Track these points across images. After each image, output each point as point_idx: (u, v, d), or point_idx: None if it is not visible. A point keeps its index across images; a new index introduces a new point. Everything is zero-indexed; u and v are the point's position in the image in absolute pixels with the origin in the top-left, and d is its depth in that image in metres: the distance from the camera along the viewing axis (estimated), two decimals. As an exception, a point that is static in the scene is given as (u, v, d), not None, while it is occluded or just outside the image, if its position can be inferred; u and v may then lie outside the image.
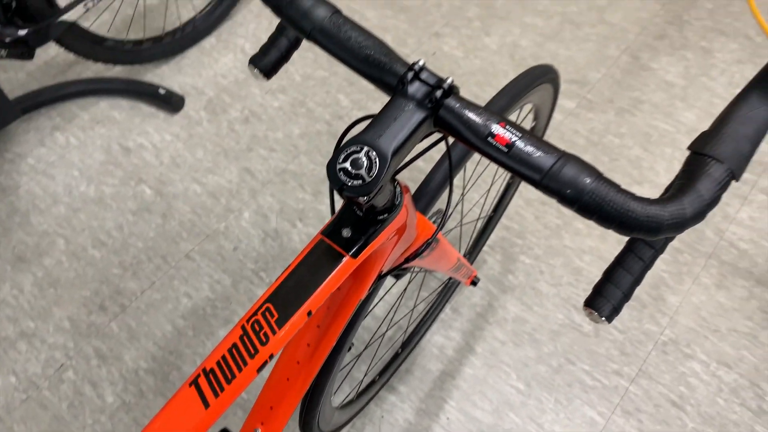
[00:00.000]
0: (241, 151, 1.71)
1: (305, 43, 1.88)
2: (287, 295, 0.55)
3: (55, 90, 1.74)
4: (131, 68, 1.88)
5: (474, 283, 1.21)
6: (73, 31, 1.58)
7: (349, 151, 0.49)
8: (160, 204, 1.62)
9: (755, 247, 1.50)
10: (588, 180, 0.47)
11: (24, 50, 1.42)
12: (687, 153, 0.48)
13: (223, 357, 0.53)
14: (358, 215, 0.58)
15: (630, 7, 2.01)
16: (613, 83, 1.82)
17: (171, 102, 1.76)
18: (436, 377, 1.36)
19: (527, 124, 1.18)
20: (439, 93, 0.50)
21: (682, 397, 1.31)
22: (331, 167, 0.49)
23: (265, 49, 0.70)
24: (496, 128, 0.50)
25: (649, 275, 1.46)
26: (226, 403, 0.52)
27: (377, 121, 0.51)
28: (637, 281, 0.55)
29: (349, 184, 0.48)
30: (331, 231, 0.58)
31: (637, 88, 1.80)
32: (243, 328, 0.54)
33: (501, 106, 0.91)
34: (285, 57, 0.70)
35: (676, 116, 1.74)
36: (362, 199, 0.49)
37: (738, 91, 0.49)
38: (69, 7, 1.50)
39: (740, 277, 1.46)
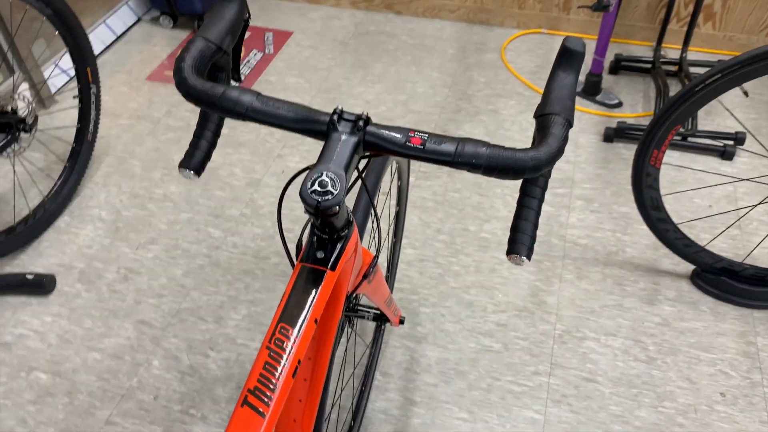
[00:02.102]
0: (129, 307, 1.71)
1: (160, 197, 1.98)
2: (293, 313, 0.66)
3: None
4: (-13, 266, 1.82)
5: (402, 321, 1.35)
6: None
7: (313, 178, 0.64)
8: (61, 384, 1.55)
9: (591, 240, 1.84)
10: (484, 149, 0.66)
11: None
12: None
13: (261, 374, 0.62)
14: (324, 238, 0.71)
15: (425, 96, 2.43)
16: (437, 153, 2.15)
17: (42, 284, 1.73)
18: (391, 438, 1.43)
19: (395, 181, 1.40)
20: (361, 122, 0.68)
21: (591, 372, 1.53)
22: (305, 192, 0.64)
23: (189, 154, 0.83)
24: (410, 135, 0.68)
25: (526, 287, 1.71)
26: (278, 408, 0.60)
27: (323, 156, 0.67)
28: (536, 219, 0.74)
29: (322, 200, 0.63)
30: (307, 257, 0.71)
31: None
32: (268, 348, 0.63)
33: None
34: (208, 155, 0.84)
35: (494, 163, 2.10)
36: (335, 209, 0.64)
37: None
38: None
39: (591, 265, 1.77)
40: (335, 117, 0.69)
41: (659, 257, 1.79)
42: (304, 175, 0.69)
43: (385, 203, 1.81)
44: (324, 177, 0.64)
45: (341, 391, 1.47)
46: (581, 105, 2.35)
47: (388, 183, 1.51)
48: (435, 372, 1.54)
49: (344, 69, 2.58)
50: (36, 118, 1.76)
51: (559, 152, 0.66)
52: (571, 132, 2.23)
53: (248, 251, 1.85)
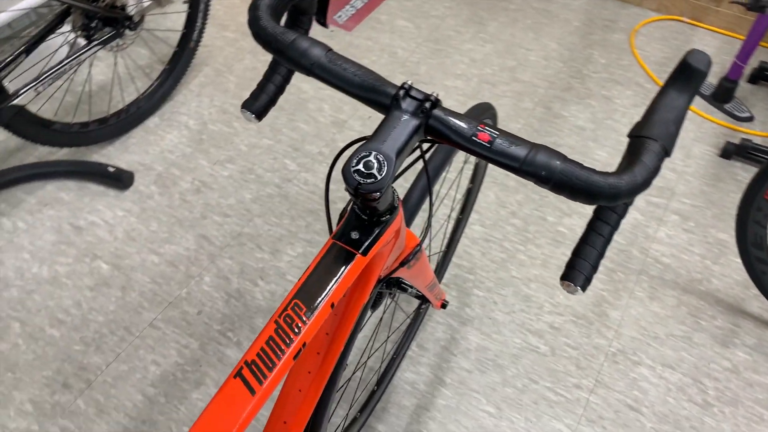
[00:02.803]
0: (195, 220, 1.75)
1: (248, 123, 1.99)
2: (311, 291, 0.62)
3: (2, 176, 1.74)
4: (77, 151, 1.90)
5: (444, 305, 1.30)
6: (21, 116, 1.61)
7: (360, 156, 0.58)
8: (118, 277, 1.62)
9: (676, 261, 1.69)
10: (558, 162, 0.58)
11: (-25, 135, 1.44)
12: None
13: (262, 349, 0.59)
14: (364, 219, 0.66)
15: (537, 66, 2.27)
16: (532, 131, 2.02)
17: (121, 179, 1.79)
18: (412, 412, 1.41)
19: (473, 157, 1.31)
20: (428, 105, 0.61)
21: (637, 401, 1.43)
22: (347, 171, 0.58)
23: (255, 95, 0.79)
24: (478, 129, 0.61)
25: (590, 294, 1.61)
26: (270, 389, 0.57)
27: (378, 132, 0.61)
28: (604, 248, 0.66)
29: (364, 183, 0.57)
30: (341, 234, 0.66)
31: (554, 134, 2.02)
32: (276, 322, 0.60)
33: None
34: (273, 100, 0.80)
35: (590, 154, 1.95)
36: (375, 195, 0.58)
37: None
38: (19, 92, 1.55)
39: (668, 288, 1.63)
40: (401, 92, 0.62)
41: (747, 298, 1.62)
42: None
43: (458, 177, 1.73)
44: (371, 158, 0.58)
45: (372, 351, 1.45)
46: (705, 110, 2.12)
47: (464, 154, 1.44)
48: (472, 358, 1.49)
49: (457, 21, 2.45)
50: (142, 17, 1.78)
51: (644, 185, 0.57)
52: (685, 138, 2.02)
53: (317, 191, 1.83)
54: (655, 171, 0.58)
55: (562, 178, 0.57)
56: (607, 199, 0.57)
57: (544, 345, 1.51)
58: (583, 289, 0.65)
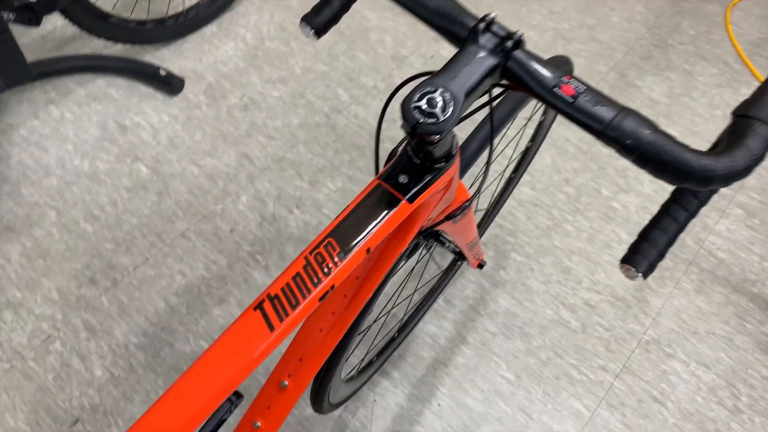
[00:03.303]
0: (239, 137, 1.71)
1: (304, 41, 1.91)
2: (348, 232, 0.57)
3: (57, 62, 1.72)
4: (131, 48, 1.87)
5: (481, 266, 1.25)
6: (79, 4, 1.57)
7: (423, 91, 0.52)
8: (156, 182, 1.60)
9: (732, 257, 1.58)
10: (647, 131, 0.50)
11: (31, 16, 1.41)
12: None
13: (288, 285, 0.54)
14: (416, 163, 0.60)
15: (618, 28, 2.11)
16: (602, 97, 1.89)
17: (171, 84, 1.75)
18: (429, 364, 1.38)
19: (539, 114, 1.23)
20: (509, 44, 0.54)
21: (663, 394, 1.37)
22: (406, 106, 0.52)
23: (317, 9, 0.72)
24: (563, 80, 0.53)
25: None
26: (289, 328, 0.53)
27: (448, 67, 0.54)
28: (676, 236, 0.59)
29: (423, 122, 0.51)
30: (388, 176, 0.60)
31: (624, 103, 1.88)
32: (306, 258, 0.56)
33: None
34: (336, 18, 0.73)
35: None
36: (433, 138, 0.52)
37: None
38: (79, -21, 1.50)
39: (718, 284, 1.53)
40: (481, 26, 0.54)
41: (802, 308, 1.52)
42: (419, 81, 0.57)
43: (519, 133, 1.63)
44: (437, 96, 0.51)
45: (398, 299, 1.41)
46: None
47: (529, 110, 1.34)
48: (499, 322, 1.44)
49: (542, -32, 2.29)
50: None
51: (744, 171, 0.49)
52: None
53: (366, 126, 1.76)
54: (759, 158, 0.50)
55: (649, 151, 0.50)
56: (696, 182, 0.50)
57: (575, 321, 1.45)
58: (645, 276, 0.59)
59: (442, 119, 0.51)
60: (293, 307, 0.53)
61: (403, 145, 0.62)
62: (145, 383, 1.31)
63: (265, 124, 1.75)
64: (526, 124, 1.27)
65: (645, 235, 0.60)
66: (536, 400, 1.34)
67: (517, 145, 1.69)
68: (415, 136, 0.52)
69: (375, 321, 1.36)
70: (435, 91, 0.52)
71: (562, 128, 1.80)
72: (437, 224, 0.74)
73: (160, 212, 1.56)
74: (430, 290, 1.40)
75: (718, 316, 1.49)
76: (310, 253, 0.56)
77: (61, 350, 1.35)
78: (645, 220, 1.62)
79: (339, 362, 0.87)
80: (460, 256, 1.17)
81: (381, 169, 0.64)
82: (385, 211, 0.58)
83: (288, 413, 0.76)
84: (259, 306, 0.54)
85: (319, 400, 0.95)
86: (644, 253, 0.59)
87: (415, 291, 1.39)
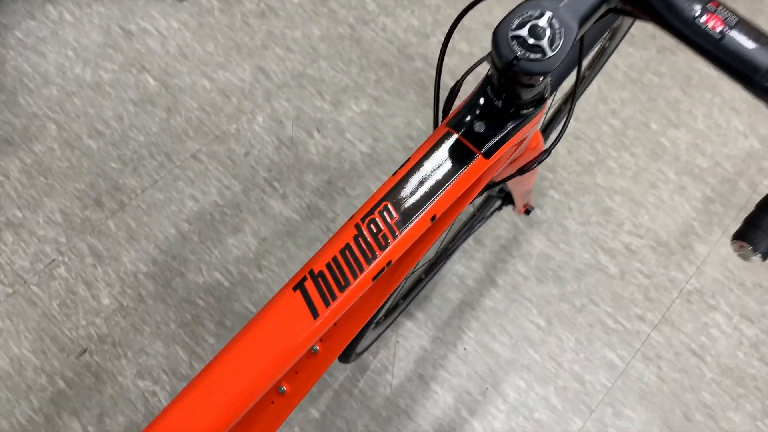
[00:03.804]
0: (255, 48, 1.56)
1: None
2: (408, 194, 0.45)
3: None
4: (135, -59, 1.67)
5: (528, 211, 1.13)
6: None
7: (525, 16, 0.38)
8: (164, 96, 1.47)
9: (787, 204, 1.46)
10: None
11: None
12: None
13: (335, 259, 0.43)
14: (496, 107, 0.47)
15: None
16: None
17: (180, -15, 1.57)
18: (455, 306, 1.30)
19: (602, 39, 1.07)
20: None
21: (703, 348, 1.29)
22: (501, 35, 0.39)
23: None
24: (708, 7, 0.39)
25: (680, 222, 1.41)
26: (336, 314, 0.43)
27: None
28: None
29: (524, 57, 0.38)
30: (459, 123, 0.48)
31: None
32: (357, 227, 0.44)
33: None
34: None
35: (720, 60, 1.64)
36: (535, 79, 0.39)
37: None
38: None
39: (770, 233, 1.42)
40: None
41: None
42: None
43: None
44: (543, 22, 0.38)
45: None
46: None
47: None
48: (532, 265, 1.34)
49: None
50: None
51: None
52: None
53: (395, 41, 1.59)
54: None
55: None
56: None
57: (614, 266, 1.35)
58: (765, 257, 0.47)
59: (550, 55, 0.38)
60: (342, 288, 0.43)
61: (485, 82, 0.49)
62: (155, 314, 1.24)
63: (283, 34, 1.58)
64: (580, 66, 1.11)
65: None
66: (568, 348, 1.27)
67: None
68: (509, 74, 0.39)
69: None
70: (541, 17, 0.38)
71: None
72: (507, 179, 0.62)
73: (170, 130, 1.43)
74: (461, 228, 1.29)
75: (767, 267, 1.38)
76: (363, 219, 0.45)
77: (66, 276, 1.27)
78: (696, 160, 1.49)
79: (373, 322, 0.78)
80: (505, 200, 1.06)
81: (441, 110, 0.51)
82: (455, 169, 0.46)
83: (317, 380, 0.67)
84: (299, 285, 0.43)
85: (347, 354, 0.87)
86: (766, 229, 0.48)
87: (447, 230, 1.29)
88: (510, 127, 0.47)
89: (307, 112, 1.48)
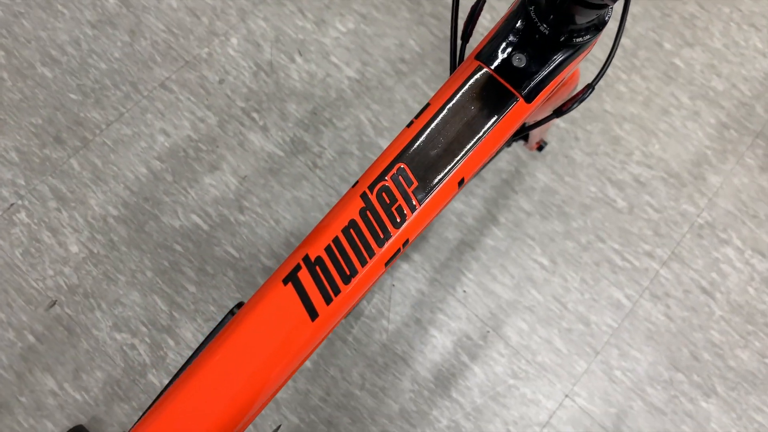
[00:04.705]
0: (226, -40, 1.38)
1: None
2: (430, 152, 0.34)
3: None
4: None
5: (541, 148, 1.02)
6: None
7: None
8: (126, 17, 1.30)
9: (806, 129, 1.36)
10: None
11: None
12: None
13: (337, 242, 0.33)
14: (543, 33, 0.36)
15: None
16: None
17: None
18: (454, 247, 1.21)
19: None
20: None
21: (712, 284, 1.23)
22: None
23: None
24: None
25: (692, 151, 1.32)
26: (340, 311, 0.33)
27: None
28: None
29: None
30: (492, 55, 0.36)
31: (699, -68, 1.53)
32: (365, 197, 0.34)
33: None
34: None
35: (740, -30, 1.50)
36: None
37: None
38: None
39: (787, 161, 1.33)
40: None
41: None
42: None
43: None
44: None
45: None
46: None
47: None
48: (535, 200, 1.25)
49: None
50: None
51: None
52: None
53: (385, -49, 1.42)
54: None
55: None
56: None
57: (622, 200, 1.27)
58: None
59: None
60: (346, 280, 0.33)
61: (518, 2, 0.37)
62: (129, 262, 1.14)
63: (257, -57, 1.40)
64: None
65: None
66: (572, 288, 1.20)
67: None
68: None
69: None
70: None
71: (623, -38, 1.47)
72: (540, 123, 0.50)
73: (134, 55, 1.28)
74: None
75: (783, 198, 1.30)
76: (371, 187, 0.34)
77: (27, 222, 1.15)
78: (711, 81, 1.37)
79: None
80: (517, 136, 0.95)
81: (458, 43, 0.40)
82: (489, 117, 0.35)
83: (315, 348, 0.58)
84: (291, 277, 0.33)
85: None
86: None
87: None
88: (559, 59, 0.36)
89: (288, 33, 1.33)
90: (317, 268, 0.33)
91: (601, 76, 0.46)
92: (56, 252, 1.14)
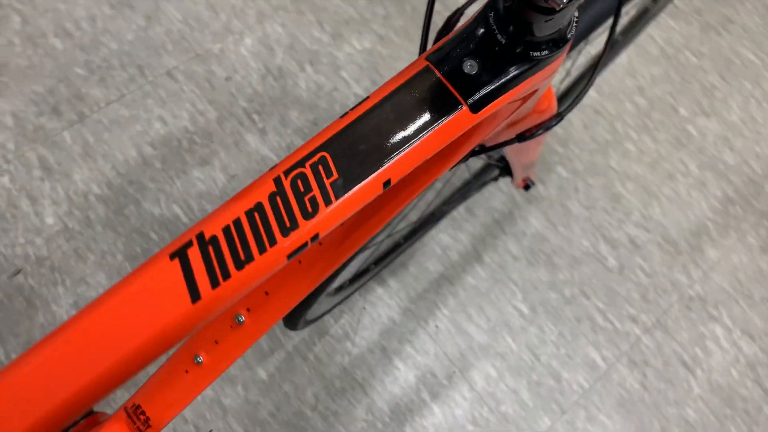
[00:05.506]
0: (255, -37, 1.38)
1: None
2: (358, 147, 0.32)
3: None
4: None
5: (527, 187, 1.00)
6: None
7: None
8: (146, 2, 1.31)
9: (814, 217, 1.32)
10: None
11: None
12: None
13: (237, 224, 0.31)
14: (499, 42, 0.33)
15: None
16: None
17: None
18: (433, 279, 1.18)
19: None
20: None
21: (695, 360, 1.18)
22: None
23: None
24: None
25: (693, 220, 1.28)
26: (225, 299, 0.30)
27: None
28: None
29: None
30: (443, 58, 0.34)
31: (731, 5, 1.52)
32: (278, 182, 0.31)
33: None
34: None
35: (767, 48, 1.48)
36: (558, 3, 0.25)
37: None
38: None
39: (790, 246, 1.29)
40: None
41: None
42: None
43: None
44: None
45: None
46: None
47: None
48: (525, 245, 1.22)
49: None
50: None
51: None
52: None
53: (412, -24, 1.42)
54: None
55: None
56: None
57: (614, 259, 1.23)
58: None
59: None
60: (239, 266, 0.30)
61: (483, 7, 0.35)
62: (102, 243, 1.12)
63: (289, -49, 1.41)
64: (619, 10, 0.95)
65: None
66: (549, 340, 1.16)
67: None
68: None
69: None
70: None
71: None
72: (503, 145, 0.48)
73: (146, 40, 1.28)
74: (452, 194, 1.16)
75: (781, 283, 1.26)
76: (287, 173, 0.32)
77: (9, 186, 1.14)
78: (723, 154, 1.34)
79: (325, 287, 0.65)
80: (503, 171, 0.92)
81: (430, 43, 0.38)
82: (429, 121, 0.33)
83: (239, 355, 0.55)
84: (180, 252, 0.30)
85: (293, 318, 0.75)
86: None
87: (435, 195, 1.15)
88: (513, 72, 0.34)
89: (303, 42, 1.33)
90: (210, 247, 0.31)
91: (573, 107, 0.43)
92: (31, 221, 1.12)
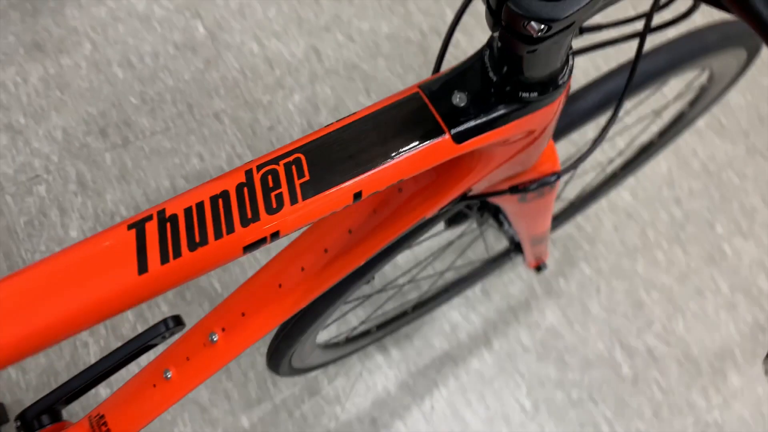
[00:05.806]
0: (317, 27, 1.46)
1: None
2: (335, 155, 0.32)
3: None
4: None
5: (539, 268, 0.97)
6: None
7: None
8: (209, 48, 1.39)
9: None
10: None
11: None
12: None
13: (200, 207, 0.31)
14: (490, 79, 0.34)
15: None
16: (756, 116, 1.52)
17: (263, -56, 1.50)
18: (437, 356, 1.14)
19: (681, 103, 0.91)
20: None
21: (705, 493, 1.08)
22: None
23: None
24: None
25: (719, 342, 1.22)
26: (173, 278, 0.30)
27: None
28: None
29: None
30: (435, 88, 0.34)
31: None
32: (248, 174, 0.32)
33: (673, 58, 0.64)
34: None
35: (814, 180, 1.45)
36: (535, 28, 0.26)
37: None
38: None
39: (822, 387, 1.20)
40: None
41: None
42: None
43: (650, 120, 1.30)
44: None
45: (425, 267, 1.16)
46: None
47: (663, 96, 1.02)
48: (537, 338, 1.18)
49: None
50: None
51: None
52: None
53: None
54: None
55: None
56: None
57: (629, 368, 1.17)
58: None
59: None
60: (192, 247, 0.30)
61: (486, 48, 0.35)
62: (117, 263, 1.13)
63: (350, 21, 1.48)
64: (660, 113, 0.96)
65: None
66: (548, 443, 1.09)
67: (634, 136, 1.37)
68: (499, 20, 0.26)
69: (388, 285, 1.12)
70: None
71: (694, 136, 1.45)
72: (496, 194, 0.47)
73: (202, 82, 1.34)
74: (468, 273, 1.14)
75: (809, 425, 1.17)
76: (259, 168, 0.32)
77: (44, 195, 1.18)
78: (758, 280, 1.29)
79: (309, 327, 0.64)
80: (516, 248, 0.91)
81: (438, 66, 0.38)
82: (409, 142, 0.33)
83: (210, 375, 0.54)
84: (138, 224, 0.30)
85: (275, 358, 0.73)
86: None
87: (450, 268, 1.14)
88: (501, 110, 0.34)
89: (348, 106, 1.37)
90: (168, 224, 0.31)
91: (575, 167, 0.43)
92: (56, 231, 1.15)
